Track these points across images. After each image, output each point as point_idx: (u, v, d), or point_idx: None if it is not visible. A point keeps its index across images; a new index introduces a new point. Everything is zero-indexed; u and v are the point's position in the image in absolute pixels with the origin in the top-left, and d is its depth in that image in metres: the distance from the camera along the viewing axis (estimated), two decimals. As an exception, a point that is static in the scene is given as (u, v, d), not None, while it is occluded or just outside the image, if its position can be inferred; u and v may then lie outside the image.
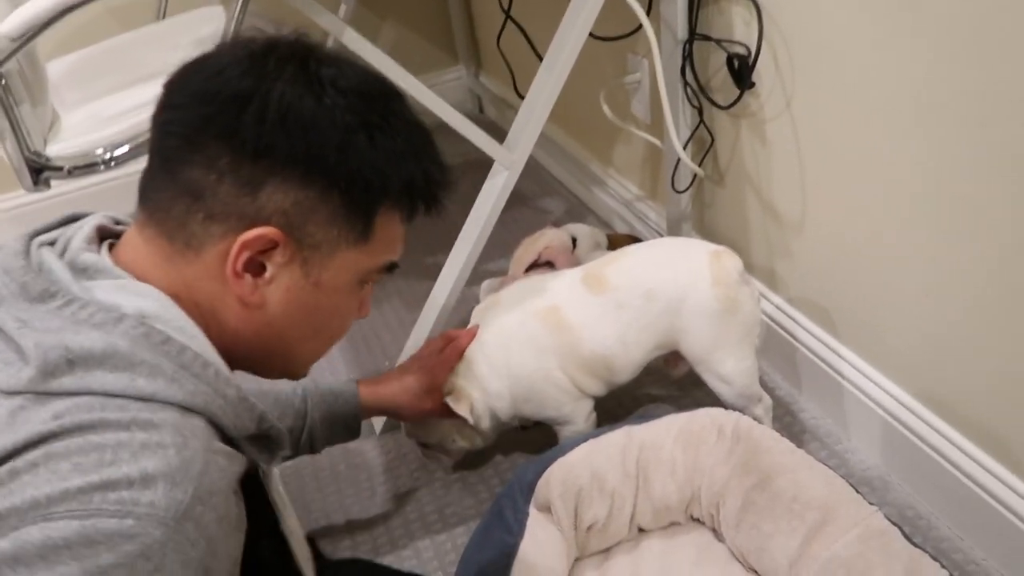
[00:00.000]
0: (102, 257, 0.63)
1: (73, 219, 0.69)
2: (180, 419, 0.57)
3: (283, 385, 1.01)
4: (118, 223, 0.70)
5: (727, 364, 1.08)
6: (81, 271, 0.62)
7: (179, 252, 0.63)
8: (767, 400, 1.14)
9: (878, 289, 1.07)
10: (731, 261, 1.07)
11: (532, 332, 1.09)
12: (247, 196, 0.62)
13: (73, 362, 0.55)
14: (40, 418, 0.53)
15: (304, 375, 0.77)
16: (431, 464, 1.25)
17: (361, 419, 1.11)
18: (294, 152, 0.62)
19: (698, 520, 1.05)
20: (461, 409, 1.07)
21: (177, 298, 0.62)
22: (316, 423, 1.07)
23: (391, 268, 0.73)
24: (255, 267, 0.64)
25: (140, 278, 0.63)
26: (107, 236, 0.68)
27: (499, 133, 1.24)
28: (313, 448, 1.09)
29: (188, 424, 0.57)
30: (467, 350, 1.12)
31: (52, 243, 0.66)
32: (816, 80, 1.06)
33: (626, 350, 1.09)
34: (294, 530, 0.79)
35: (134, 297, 0.60)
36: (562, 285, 1.12)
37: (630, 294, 1.07)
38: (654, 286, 1.07)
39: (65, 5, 1.20)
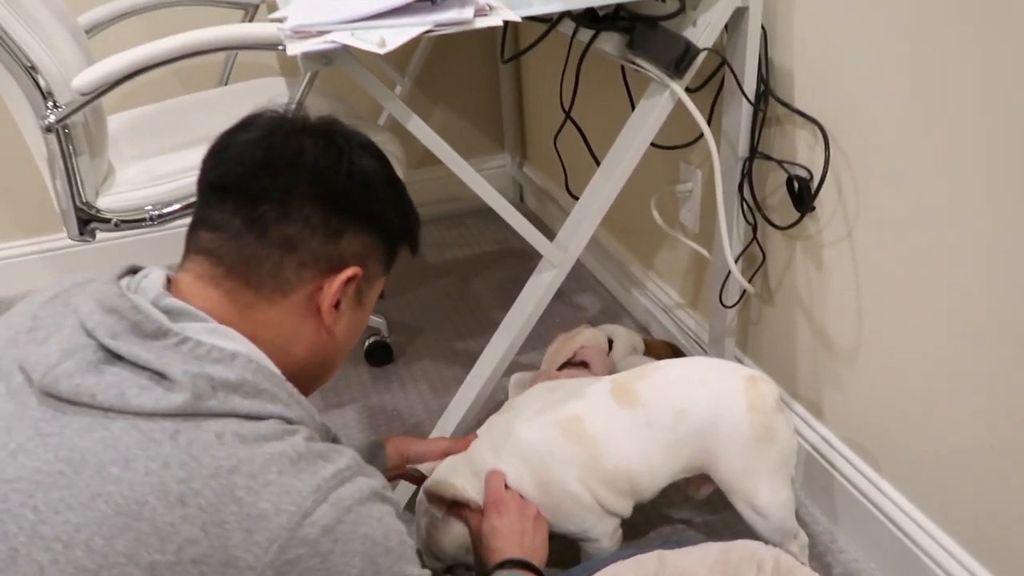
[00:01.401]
0: (183, 303, 0.69)
1: (134, 270, 0.74)
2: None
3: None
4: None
5: (761, 495, 1.03)
6: (167, 312, 0.67)
7: (265, 298, 0.72)
8: (803, 537, 1.08)
9: (935, 434, 1.03)
10: (768, 387, 1.04)
11: (552, 441, 1.04)
12: (332, 244, 0.74)
13: (216, 388, 0.63)
14: (207, 440, 0.60)
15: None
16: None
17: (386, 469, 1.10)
18: (368, 208, 0.76)
19: (729, 662, 0.98)
20: (450, 492, 1.02)
21: (252, 339, 0.69)
22: None
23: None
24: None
25: (218, 322, 0.69)
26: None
27: (538, 224, 1.23)
28: None
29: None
30: (471, 448, 1.07)
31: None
32: (881, 210, 1.04)
33: (651, 468, 1.04)
34: None
35: (227, 339, 0.67)
36: (588, 394, 1.07)
37: (660, 412, 1.03)
38: (686, 406, 1.03)
39: (138, 66, 1.23)
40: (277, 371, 0.69)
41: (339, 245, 0.74)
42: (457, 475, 1.06)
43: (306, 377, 0.77)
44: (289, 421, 0.66)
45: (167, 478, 0.59)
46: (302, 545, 0.59)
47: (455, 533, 1.07)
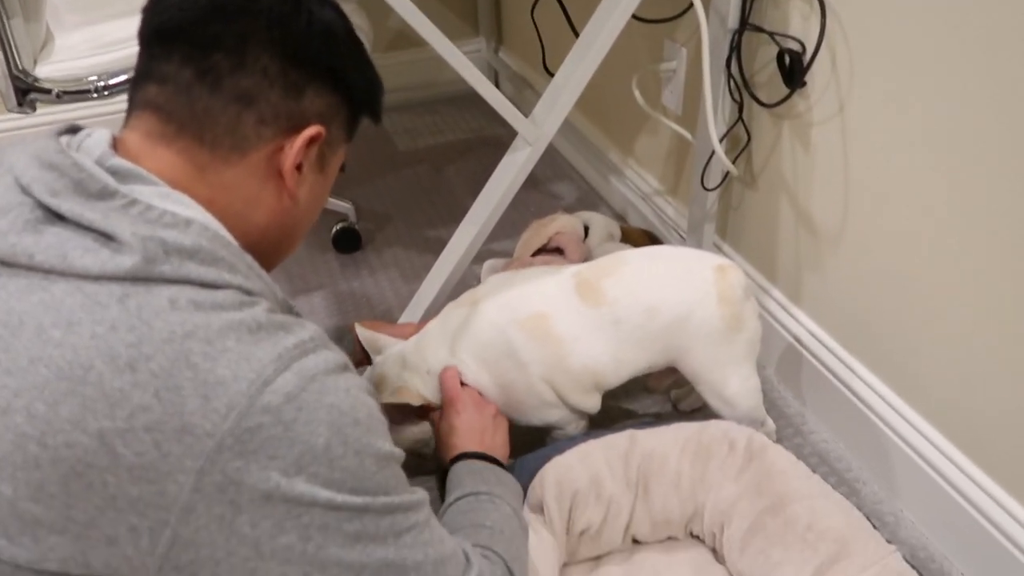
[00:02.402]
0: (131, 164, 0.63)
1: (75, 128, 0.67)
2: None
3: None
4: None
5: (731, 384, 1.02)
6: (114, 174, 0.61)
7: (222, 158, 0.67)
8: (770, 424, 1.08)
9: (913, 316, 1.01)
10: (736, 276, 1.01)
11: (515, 341, 1.00)
12: (293, 99, 0.68)
13: (169, 253, 0.58)
14: (160, 305, 0.56)
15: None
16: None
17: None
18: (329, 62, 0.70)
19: (697, 537, 0.99)
20: (409, 398, 1.00)
21: (209, 204, 0.64)
22: None
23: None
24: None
25: (171, 187, 0.64)
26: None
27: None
28: None
29: None
30: (423, 343, 1.04)
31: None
32: (876, 86, 0.99)
33: (617, 367, 1.01)
34: None
35: (180, 206, 0.62)
36: (552, 290, 1.02)
37: (629, 309, 1.00)
38: (656, 303, 0.99)
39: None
40: (235, 242, 0.64)
41: (300, 102, 0.69)
42: (411, 372, 1.03)
43: (267, 248, 0.72)
44: (249, 292, 0.61)
45: (115, 342, 0.54)
46: (263, 413, 0.55)
47: (412, 431, 1.04)
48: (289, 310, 0.70)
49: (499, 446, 0.98)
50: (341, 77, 0.72)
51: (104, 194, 0.59)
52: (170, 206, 0.61)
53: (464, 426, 0.96)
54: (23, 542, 0.53)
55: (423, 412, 1.03)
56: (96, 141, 0.65)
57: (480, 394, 1.01)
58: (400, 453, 0.65)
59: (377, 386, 1.02)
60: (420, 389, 1.01)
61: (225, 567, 0.56)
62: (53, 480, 0.53)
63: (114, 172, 0.61)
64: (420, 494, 0.67)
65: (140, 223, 0.58)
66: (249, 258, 0.65)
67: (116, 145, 0.66)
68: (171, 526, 0.54)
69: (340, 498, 0.58)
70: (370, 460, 0.60)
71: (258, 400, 0.55)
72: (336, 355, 0.62)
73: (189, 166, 0.66)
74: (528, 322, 1.00)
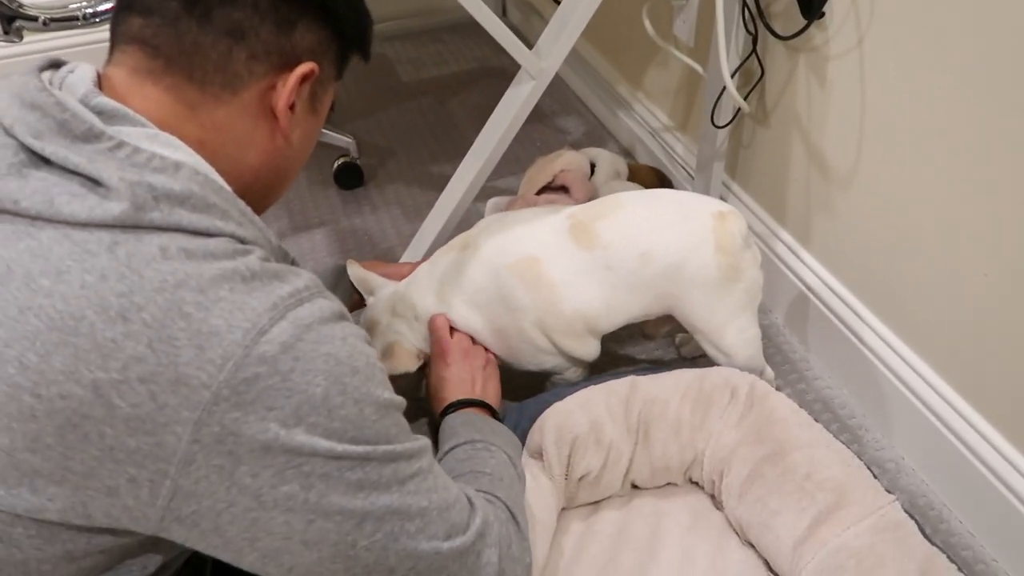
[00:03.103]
0: (118, 104, 0.60)
1: (57, 64, 0.64)
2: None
3: None
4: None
5: (728, 335, 0.99)
6: (99, 114, 0.59)
7: (213, 96, 0.64)
8: (769, 373, 1.06)
9: (922, 262, 0.98)
10: (736, 224, 0.97)
11: (506, 286, 0.98)
12: (285, 35, 0.66)
13: (158, 199, 0.56)
14: (150, 253, 0.54)
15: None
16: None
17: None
18: None
19: (696, 484, 0.99)
20: (404, 366, 0.98)
21: (200, 146, 0.62)
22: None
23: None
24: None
25: (159, 127, 0.62)
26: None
27: (522, 40, 1.11)
28: None
29: None
30: (411, 288, 1.01)
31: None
32: (899, 18, 0.93)
33: (609, 312, 0.99)
34: None
35: (169, 149, 0.60)
36: (545, 233, 0.99)
37: (622, 254, 0.96)
38: (650, 248, 0.96)
39: None
40: (227, 187, 0.62)
41: (291, 37, 0.66)
42: (399, 319, 1.01)
43: (260, 190, 0.70)
44: (242, 241, 0.59)
45: (105, 291, 0.53)
46: (260, 363, 0.54)
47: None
48: (284, 257, 0.68)
49: (491, 394, 0.97)
50: (331, 11, 0.69)
51: (89, 136, 0.56)
52: (159, 149, 0.59)
53: (455, 378, 0.95)
54: (21, 492, 0.53)
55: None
56: (79, 77, 0.62)
57: (472, 340, 1.00)
58: (400, 400, 0.64)
59: (369, 330, 1.01)
60: (408, 336, 1.00)
61: (227, 517, 0.56)
62: (49, 431, 0.52)
63: (100, 112, 0.59)
64: (422, 441, 0.66)
65: (128, 167, 0.56)
66: (242, 204, 0.62)
67: (101, 82, 0.63)
68: (171, 477, 0.54)
69: (341, 447, 0.57)
70: (370, 409, 0.59)
71: (254, 350, 0.54)
72: (332, 303, 0.60)
73: (179, 105, 0.63)
74: (519, 265, 0.98)
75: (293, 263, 0.69)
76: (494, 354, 1.03)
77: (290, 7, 0.66)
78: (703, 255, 0.96)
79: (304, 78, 0.67)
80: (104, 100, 0.59)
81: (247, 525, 0.56)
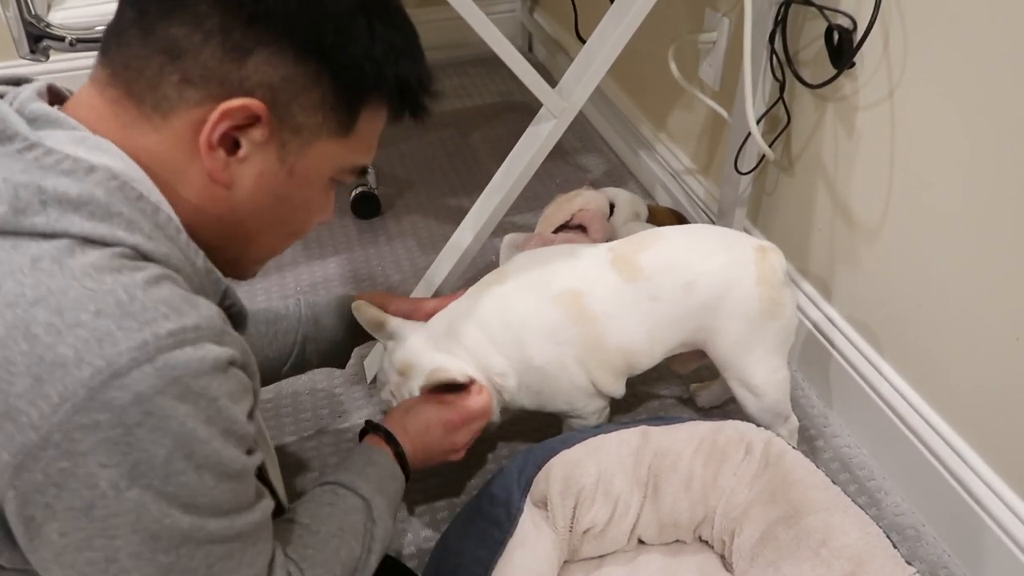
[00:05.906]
0: (54, 109, 0.58)
1: (19, 81, 0.62)
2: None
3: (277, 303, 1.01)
4: (68, 92, 0.64)
5: (759, 373, 0.97)
6: (31, 120, 0.57)
7: (145, 117, 0.58)
8: (794, 421, 1.03)
9: (950, 321, 0.95)
10: (777, 258, 0.96)
11: (550, 320, 0.94)
12: (233, 63, 0.58)
13: (46, 203, 0.51)
14: (19, 263, 0.49)
15: (252, 275, 0.71)
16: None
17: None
18: (292, 24, 0.58)
19: (706, 543, 0.95)
20: (447, 377, 0.92)
21: (137, 162, 0.58)
22: (312, 321, 0.99)
23: (363, 171, 0.70)
24: (229, 143, 0.60)
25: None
26: (56, 101, 0.62)
27: (547, 77, 1.10)
28: (306, 359, 0.99)
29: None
30: (454, 324, 0.96)
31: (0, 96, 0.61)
32: (931, 71, 0.91)
33: (651, 346, 0.97)
34: (272, 459, 0.75)
35: (96, 151, 0.56)
36: (587, 265, 0.97)
37: (666, 285, 0.95)
38: (695, 278, 0.94)
39: None
40: (154, 197, 0.57)
41: (242, 66, 0.57)
42: (445, 355, 0.95)
43: (212, 238, 0.62)
44: (146, 256, 0.53)
45: None
46: (103, 410, 0.47)
47: None
48: (213, 283, 0.61)
49: (437, 455, 0.90)
50: (316, 38, 0.59)
51: (2, 138, 0.54)
52: (82, 152, 0.55)
53: (435, 445, 0.89)
54: None
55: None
56: (29, 89, 0.60)
57: (486, 405, 0.94)
58: (252, 463, 0.57)
59: (404, 374, 0.97)
60: (470, 373, 0.94)
61: (19, 558, 0.52)
62: None
63: (33, 118, 0.56)
64: (256, 511, 0.58)
65: (31, 168, 0.52)
66: (165, 216, 0.57)
67: (62, 95, 0.62)
68: None
69: (168, 517, 0.51)
70: (210, 476, 0.53)
71: (100, 395, 0.47)
72: (221, 351, 0.53)
73: (114, 121, 0.58)
74: (563, 299, 0.95)
75: (226, 292, 0.63)
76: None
77: (246, 33, 0.57)
78: (746, 286, 0.94)
79: (230, 114, 0.57)
80: (39, 106, 0.57)
81: (42, 568, 0.52)
